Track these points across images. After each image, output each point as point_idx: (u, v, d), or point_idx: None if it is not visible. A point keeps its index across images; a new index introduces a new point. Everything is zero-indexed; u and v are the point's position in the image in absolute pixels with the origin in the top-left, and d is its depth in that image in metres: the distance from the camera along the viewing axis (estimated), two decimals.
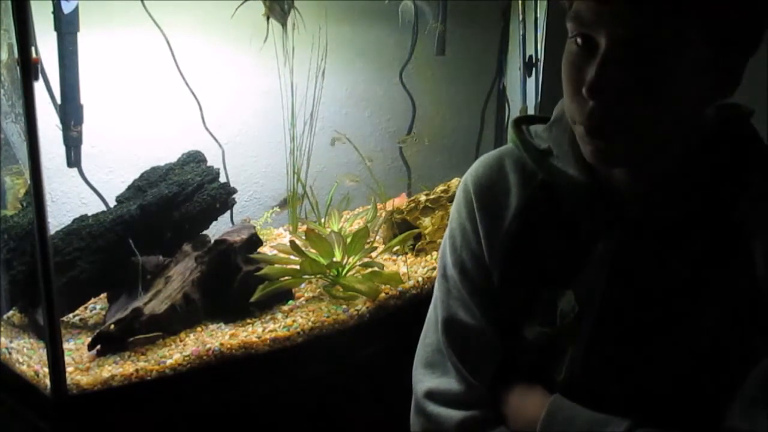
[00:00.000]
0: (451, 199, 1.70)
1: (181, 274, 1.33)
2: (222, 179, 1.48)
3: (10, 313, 1.33)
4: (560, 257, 0.86)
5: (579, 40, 0.73)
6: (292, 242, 1.43)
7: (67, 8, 1.25)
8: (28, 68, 0.98)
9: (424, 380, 0.93)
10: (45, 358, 1.09)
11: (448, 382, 0.91)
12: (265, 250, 1.51)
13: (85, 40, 1.30)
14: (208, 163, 1.48)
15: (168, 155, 1.48)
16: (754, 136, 0.82)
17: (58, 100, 1.31)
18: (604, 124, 0.73)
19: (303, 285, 1.48)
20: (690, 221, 0.79)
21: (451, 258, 0.94)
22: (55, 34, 1.27)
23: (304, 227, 1.64)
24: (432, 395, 0.91)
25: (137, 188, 1.40)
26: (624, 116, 0.72)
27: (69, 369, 1.12)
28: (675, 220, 0.80)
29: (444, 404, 0.90)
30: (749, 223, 0.78)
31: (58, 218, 1.47)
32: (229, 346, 1.24)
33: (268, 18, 1.46)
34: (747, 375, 0.76)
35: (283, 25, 1.48)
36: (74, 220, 1.33)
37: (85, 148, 1.39)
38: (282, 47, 1.51)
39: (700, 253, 0.79)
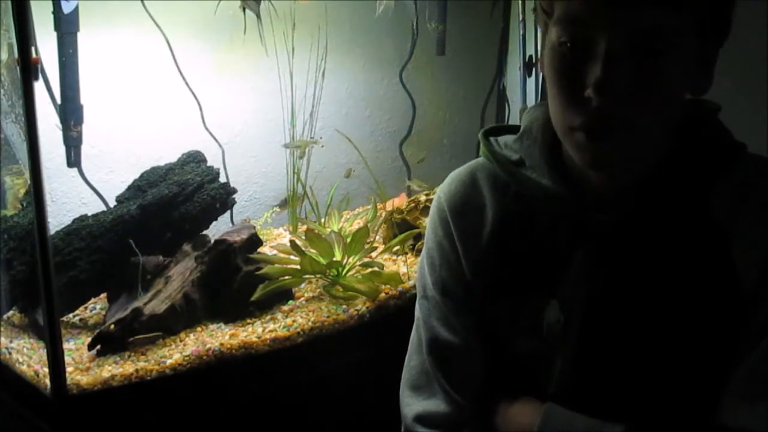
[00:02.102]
0: None
1: (181, 274, 1.33)
2: (222, 179, 1.48)
3: (10, 313, 1.33)
4: (541, 268, 0.84)
5: (569, 43, 0.72)
6: (292, 242, 1.43)
7: (67, 8, 1.25)
8: (28, 68, 0.98)
9: (411, 404, 0.92)
10: (45, 358, 1.09)
11: (436, 404, 0.90)
12: (265, 250, 1.51)
13: (85, 40, 1.30)
14: (208, 163, 1.48)
15: (168, 155, 1.48)
16: (724, 132, 0.82)
17: (58, 100, 1.31)
18: (611, 123, 0.72)
19: (303, 285, 1.48)
20: (667, 222, 0.79)
21: (431, 278, 0.92)
22: (55, 34, 1.27)
23: (304, 227, 1.64)
24: (420, 419, 0.90)
25: (137, 188, 1.40)
26: (629, 114, 0.71)
27: (69, 369, 1.12)
28: (652, 222, 0.79)
29: (433, 427, 0.89)
30: (726, 220, 0.77)
31: (58, 218, 1.47)
32: (229, 346, 1.24)
33: (244, 9, 1.45)
34: (735, 369, 0.76)
35: (257, 15, 1.47)
36: (74, 220, 1.33)
37: (85, 148, 1.39)
38: (262, 41, 1.49)
39: (681, 253, 0.78)
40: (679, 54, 0.71)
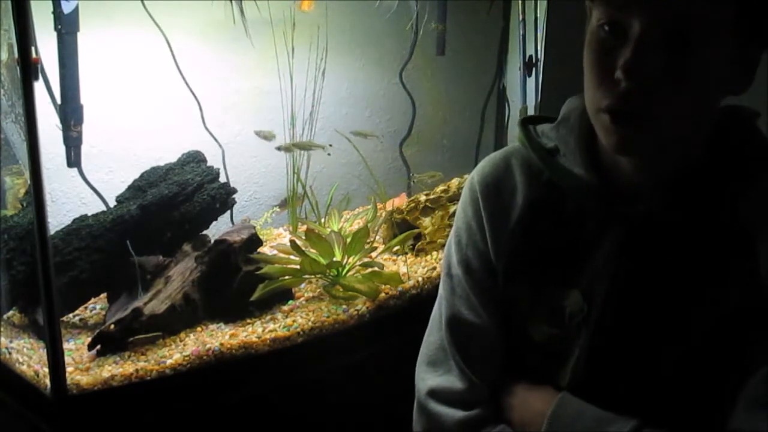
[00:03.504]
0: (450, 199, 1.70)
1: (181, 274, 1.33)
2: (222, 179, 1.48)
3: (10, 313, 1.33)
4: (566, 256, 0.86)
5: (606, 26, 0.73)
6: (292, 242, 1.43)
7: (67, 8, 1.25)
8: (28, 68, 0.98)
9: (426, 378, 0.93)
10: (45, 358, 1.09)
11: (451, 381, 0.91)
12: (265, 250, 1.51)
13: (85, 40, 1.30)
14: (208, 163, 1.48)
15: (168, 155, 1.48)
16: (759, 137, 0.82)
17: (58, 100, 1.31)
18: (635, 108, 0.72)
19: (303, 285, 1.48)
20: (695, 221, 0.79)
21: (456, 256, 0.94)
22: (55, 34, 1.27)
23: (304, 227, 1.64)
24: (434, 394, 0.91)
25: (137, 188, 1.40)
26: (655, 101, 0.71)
27: (69, 369, 1.12)
28: (680, 219, 0.80)
29: (446, 403, 0.90)
30: (754, 223, 0.77)
31: (58, 218, 1.47)
32: (229, 346, 1.24)
33: (231, 3, 1.45)
34: (751, 374, 0.76)
35: (241, 12, 1.46)
36: (74, 220, 1.33)
37: (85, 148, 1.39)
38: (248, 36, 1.48)
39: (705, 252, 0.79)
40: (716, 49, 0.71)
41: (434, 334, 0.95)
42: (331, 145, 1.67)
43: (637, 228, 0.81)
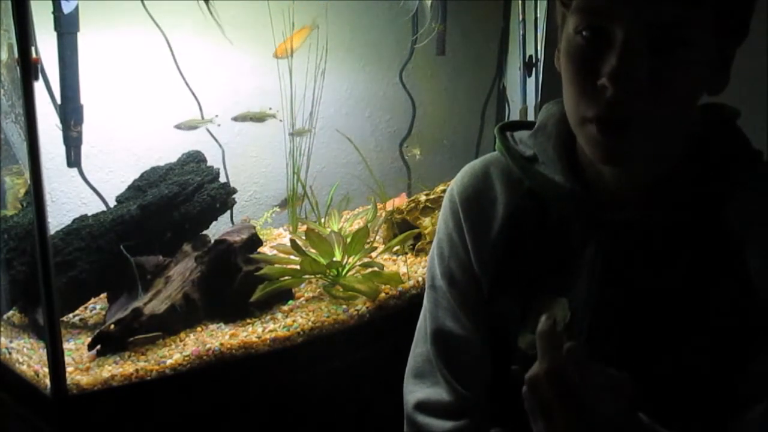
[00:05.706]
0: None
1: (181, 274, 1.33)
2: (222, 179, 1.48)
3: (10, 313, 1.33)
4: (550, 265, 0.85)
5: (586, 32, 0.72)
6: (292, 241, 1.43)
7: (67, 8, 1.25)
8: (28, 68, 0.98)
9: (414, 391, 0.93)
10: (45, 358, 1.08)
11: (438, 393, 0.91)
12: (265, 250, 1.51)
13: (85, 40, 1.30)
14: (208, 163, 1.48)
15: (168, 155, 1.48)
16: (741, 137, 0.82)
17: (58, 100, 1.31)
18: (624, 115, 0.71)
19: (303, 285, 1.48)
20: (679, 224, 0.79)
21: (440, 268, 0.93)
22: (55, 34, 1.27)
23: (304, 227, 1.64)
24: (422, 406, 0.91)
25: (137, 188, 1.40)
26: (642, 108, 0.71)
27: (69, 369, 1.12)
28: (664, 223, 0.79)
29: (434, 415, 0.90)
30: (740, 225, 0.77)
31: (58, 218, 1.47)
32: (229, 346, 1.24)
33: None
34: (743, 380, 0.75)
35: (208, 8, 1.45)
36: (74, 220, 1.33)
37: (85, 148, 1.39)
38: (224, 34, 1.47)
39: (691, 256, 0.78)
40: (697, 50, 0.70)
41: (420, 346, 0.95)
42: (279, 111, 1.66)
43: (620, 234, 0.80)
